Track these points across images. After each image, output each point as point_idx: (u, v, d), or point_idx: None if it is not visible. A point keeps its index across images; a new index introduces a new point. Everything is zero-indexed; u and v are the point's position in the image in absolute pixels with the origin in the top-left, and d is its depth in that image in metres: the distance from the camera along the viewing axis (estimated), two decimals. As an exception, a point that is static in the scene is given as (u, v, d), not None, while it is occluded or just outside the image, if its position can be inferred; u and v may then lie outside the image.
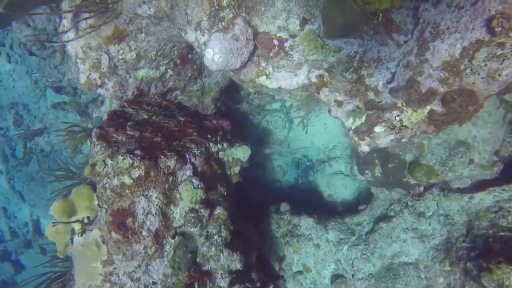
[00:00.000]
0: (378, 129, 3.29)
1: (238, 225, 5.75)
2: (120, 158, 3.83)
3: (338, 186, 7.05)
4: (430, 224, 5.41)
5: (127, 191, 3.93)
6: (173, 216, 4.35)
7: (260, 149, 7.55)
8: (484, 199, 4.97)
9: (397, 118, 3.22)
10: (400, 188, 5.33)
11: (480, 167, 4.92)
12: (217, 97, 5.66)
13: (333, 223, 6.14)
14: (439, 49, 2.95)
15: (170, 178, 4.27)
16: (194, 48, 3.85)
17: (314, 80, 3.62)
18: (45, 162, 8.56)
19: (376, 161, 5.23)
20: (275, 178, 8.18)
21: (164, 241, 4.27)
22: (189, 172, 4.45)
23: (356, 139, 3.45)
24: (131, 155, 3.89)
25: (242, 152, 5.45)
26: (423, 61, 3.04)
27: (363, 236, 5.88)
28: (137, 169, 3.91)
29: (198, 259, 4.51)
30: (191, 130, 5.13)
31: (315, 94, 3.68)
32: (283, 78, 3.65)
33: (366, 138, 3.36)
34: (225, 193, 4.99)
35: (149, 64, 4.34)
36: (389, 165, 5.01)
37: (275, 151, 7.46)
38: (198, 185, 4.39)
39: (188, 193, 4.30)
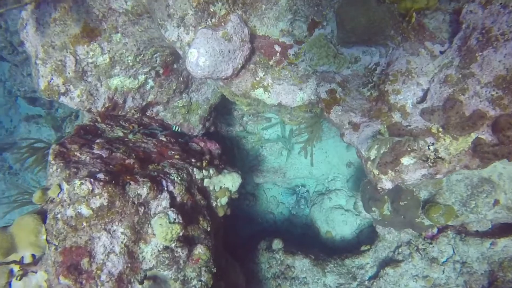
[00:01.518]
0: (406, 160, 2.61)
1: (222, 265, 4.95)
2: (77, 182, 3.08)
3: (338, 222, 6.30)
4: (444, 272, 4.66)
5: (84, 224, 3.15)
6: (142, 256, 3.56)
7: (252, 177, 6.81)
8: (509, 246, 4.26)
9: (431, 148, 2.54)
10: (410, 229, 4.60)
11: (506, 209, 4.23)
12: (206, 116, 4.98)
13: (332, 265, 5.35)
14: (491, 60, 2.32)
15: (141, 210, 3.51)
16: (180, 55, 3.19)
17: (323, 96, 2.97)
18: (13, 181, 7.70)
19: (386, 197, 4.52)
20: (267, 209, 7.41)
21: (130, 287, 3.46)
22: (165, 203, 3.69)
23: (375, 172, 2.76)
24: (92, 180, 3.13)
25: (231, 180, 4.71)
26: (468, 75, 2.40)
27: (366, 282, 5.09)
28: (98, 197, 3.15)
29: (170, 311, 3.69)
30: (172, 152, 4.41)
31: (325, 113, 3.02)
32: (285, 92, 2.99)
33: (390, 172, 2.67)
34: (209, 229, 4.21)
35: (125, 72, 3.66)
36: (401, 203, 4.30)
37: (268, 180, 6.73)
38: (175, 218, 3.62)
39: (163, 229, 3.53)
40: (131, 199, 3.41)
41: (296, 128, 5.81)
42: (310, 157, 4.01)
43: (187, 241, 3.93)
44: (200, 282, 3.92)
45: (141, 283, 3.51)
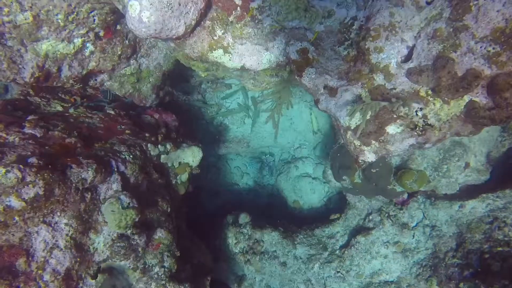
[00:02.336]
0: (391, 129, 2.29)
1: (187, 245, 4.62)
2: (2, 170, 2.54)
3: (305, 191, 6.10)
4: (414, 237, 4.60)
5: (16, 218, 2.65)
6: (94, 248, 3.14)
7: (214, 148, 6.41)
8: (476, 207, 4.22)
9: (419, 114, 2.24)
10: (382, 196, 4.45)
11: (476, 172, 4.15)
12: (159, 85, 4.45)
13: (302, 236, 5.17)
14: (487, 10, 2.00)
15: (88, 196, 3.04)
16: (120, 11, 2.65)
17: (294, 56, 2.58)
18: None
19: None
20: (231, 181, 7.09)
21: (81, 284, 3.04)
22: (116, 186, 3.24)
23: (357, 143, 2.43)
24: (21, 166, 2.61)
25: (191, 155, 4.30)
26: (460, 29, 2.08)
27: (337, 252, 4.96)
28: (31, 185, 2.64)
29: (130, 304, 3.34)
30: (122, 127, 3.90)
31: (296, 77, 2.64)
32: (249, 53, 2.57)
33: (373, 142, 2.35)
34: (169, 210, 3.82)
35: (56, 34, 3.05)
36: (373, 170, 4.10)
37: (232, 150, 6.36)
38: (129, 203, 3.19)
39: (115, 215, 3.10)
40: (74, 185, 2.92)
41: (259, 95, 5.40)
42: (277, 126, 3.66)
43: (146, 226, 3.53)
44: (163, 269, 3.57)
45: (94, 277, 3.10)
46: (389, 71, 2.26)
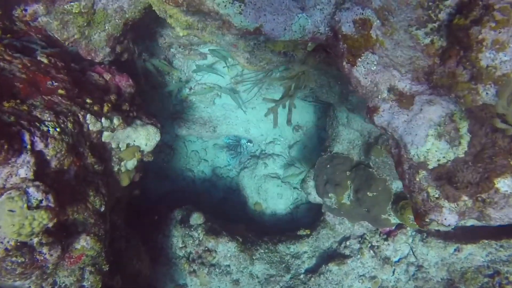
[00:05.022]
0: (504, 184, 1.46)
1: (121, 248, 3.62)
2: None
3: (271, 194, 5.27)
4: (394, 273, 3.94)
5: None
6: (-27, 259, 2.08)
7: (173, 126, 5.36)
8: (475, 254, 3.63)
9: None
10: (370, 223, 3.72)
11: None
12: (117, 36, 3.34)
13: (262, 251, 4.35)
14: None
15: (-28, 183, 1.96)
16: None
17: (346, 29, 1.66)
18: None
19: (349, 182, 3.51)
20: (186, 166, 6.09)
21: None
22: (24, 172, 2.17)
23: (433, 193, 1.57)
24: None
25: (145, 136, 3.27)
26: None
27: (302, 276, 4.20)
28: None
29: None
30: (54, 83, 2.78)
31: (344, 63, 1.72)
32: (272, 9, 1.61)
33: (465, 199, 1.49)
34: (103, 208, 2.79)
35: None
36: (369, 194, 3.33)
37: (193, 133, 5.35)
38: (41, 200, 2.15)
39: (14, 218, 2.05)
40: None
41: (252, 75, 4.36)
42: (275, 118, 2.75)
43: (65, 231, 2.50)
44: (81, 289, 2.59)
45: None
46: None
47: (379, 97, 1.74)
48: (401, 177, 1.79)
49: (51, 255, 2.25)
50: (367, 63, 1.73)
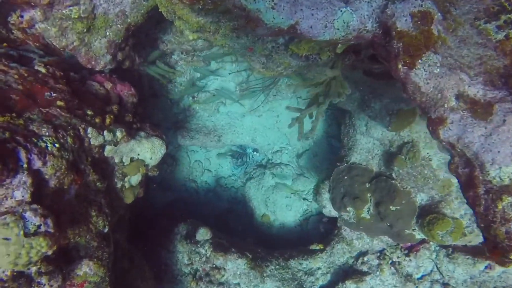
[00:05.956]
0: None
1: (124, 268, 3.38)
2: None
3: (280, 206, 5.04)
4: (416, 290, 3.71)
5: None
6: (-37, 294, 1.85)
7: (176, 136, 5.15)
8: (510, 272, 3.39)
9: None
10: (392, 239, 3.50)
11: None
12: (119, 43, 3.13)
13: (273, 267, 4.12)
14: None
15: (-39, 210, 1.73)
16: None
17: (402, 24, 1.44)
18: None
19: (368, 195, 3.30)
20: (189, 177, 5.87)
21: None
22: (21, 194, 1.94)
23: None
24: None
25: (150, 150, 3.05)
26: None
27: (315, 293, 3.97)
28: None
29: None
30: (53, 94, 2.57)
31: (399, 66, 1.50)
32: (310, 3, 1.41)
33: None
34: (106, 229, 2.57)
35: None
36: (392, 208, 3.12)
37: (197, 143, 5.13)
38: (39, 225, 1.92)
39: (10, 247, 1.82)
40: None
41: (267, 82, 4.05)
42: (300, 128, 2.52)
43: (65, 256, 2.27)
44: (83, 319, 2.35)
45: None
46: None
47: (445, 106, 1.51)
48: (471, 203, 1.56)
49: (51, 286, 2.02)
50: (429, 65, 1.51)
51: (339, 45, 1.79)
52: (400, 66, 1.56)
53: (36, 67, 2.78)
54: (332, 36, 1.57)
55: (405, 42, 1.51)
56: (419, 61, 1.52)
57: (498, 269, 3.32)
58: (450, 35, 1.51)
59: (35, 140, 2.07)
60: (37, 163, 2.03)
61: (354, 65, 2.27)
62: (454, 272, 3.47)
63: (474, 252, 3.44)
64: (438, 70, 1.52)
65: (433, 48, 1.51)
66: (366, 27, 1.61)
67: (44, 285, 2.01)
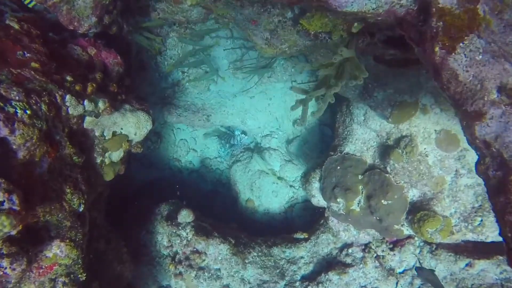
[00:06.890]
0: None
1: (100, 249, 3.17)
2: None
3: (265, 192, 4.88)
4: (397, 285, 3.64)
5: None
6: None
7: (162, 112, 4.89)
8: (488, 270, 3.34)
9: None
10: (380, 233, 3.39)
11: None
12: (106, 4, 2.84)
13: (255, 254, 3.98)
14: None
15: None
16: None
17: (442, 1, 1.25)
18: None
19: (361, 187, 3.16)
20: (173, 156, 5.64)
21: None
22: (-18, 165, 1.70)
23: None
24: None
25: (135, 124, 2.82)
26: None
27: (297, 284, 3.86)
28: None
29: None
30: (27, 54, 2.29)
31: (436, 44, 1.30)
32: None
33: None
34: (81, 208, 2.35)
35: None
36: (384, 202, 2.99)
37: (184, 121, 4.89)
38: (1, 201, 1.70)
39: (-35, 224, 1.59)
40: None
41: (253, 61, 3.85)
42: (304, 115, 2.30)
43: (33, 236, 2.05)
44: (51, 305, 2.15)
45: None
46: None
47: (485, 98, 1.33)
48: (500, 209, 1.41)
49: (13, 270, 1.81)
50: (471, 50, 1.31)
51: (356, 23, 1.58)
52: (437, 49, 1.35)
53: (7, 22, 2.48)
54: (361, 8, 1.37)
55: (446, 21, 1.30)
56: (460, 44, 1.32)
57: (477, 267, 3.27)
58: (495, 17, 1.32)
59: (1, 104, 1.82)
60: (3, 131, 1.78)
61: (364, 49, 2.08)
62: (435, 268, 3.40)
63: (456, 250, 3.37)
64: (480, 57, 1.32)
65: (477, 31, 1.31)
66: (401, 0, 1.40)
67: (6, 268, 1.79)
